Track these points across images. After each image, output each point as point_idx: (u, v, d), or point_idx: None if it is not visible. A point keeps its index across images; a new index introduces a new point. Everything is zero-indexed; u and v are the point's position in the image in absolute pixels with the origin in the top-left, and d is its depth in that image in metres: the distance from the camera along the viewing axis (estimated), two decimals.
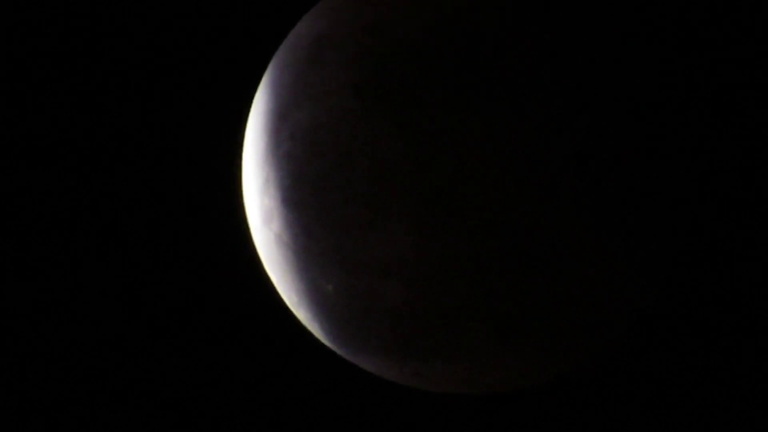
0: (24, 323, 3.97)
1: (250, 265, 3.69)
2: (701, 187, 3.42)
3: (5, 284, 3.95)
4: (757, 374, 3.95)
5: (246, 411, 4.04)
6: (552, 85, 3.10)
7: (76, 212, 3.91)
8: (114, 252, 3.92)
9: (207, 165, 3.80)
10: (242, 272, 3.76)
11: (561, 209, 3.10)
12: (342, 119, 3.23)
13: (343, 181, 3.21)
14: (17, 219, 3.93)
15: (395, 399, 3.87)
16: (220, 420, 4.04)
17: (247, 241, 3.70)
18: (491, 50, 3.11)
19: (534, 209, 3.08)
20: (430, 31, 3.18)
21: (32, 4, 3.87)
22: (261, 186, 3.54)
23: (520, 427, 3.96)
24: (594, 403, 3.96)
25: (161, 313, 3.96)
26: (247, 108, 3.66)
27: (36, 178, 3.89)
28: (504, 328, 3.24)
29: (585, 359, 3.61)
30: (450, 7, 3.20)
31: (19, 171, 3.89)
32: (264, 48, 3.61)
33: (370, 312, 3.34)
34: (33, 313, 3.97)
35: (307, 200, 3.32)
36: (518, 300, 3.18)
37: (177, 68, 3.86)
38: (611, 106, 3.16)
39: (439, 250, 3.13)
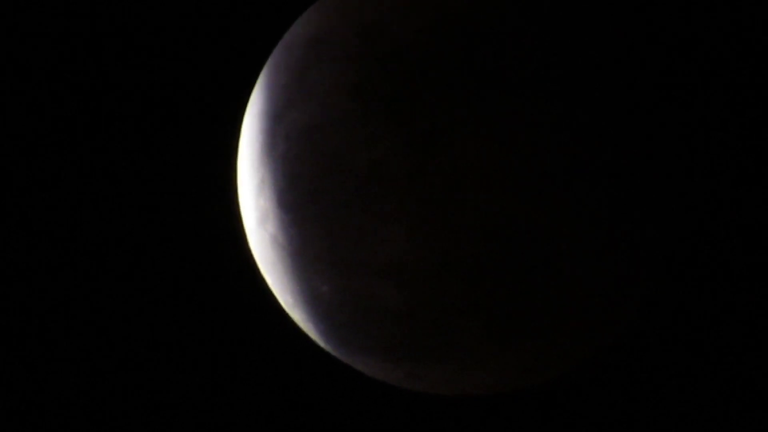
0: (23, 323, 3.97)
1: (245, 267, 3.69)
2: (701, 187, 3.42)
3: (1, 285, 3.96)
4: (756, 374, 3.95)
5: (241, 412, 4.04)
6: (551, 86, 3.09)
7: (71, 213, 3.91)
8: (109, 253, 3.93)
9: (202, 166, 3.80)
10: (237, 274, 3.76)
11: (559, 210, 3.10)
12: (339, 120, 3.22)
13: (339, 182, 3.21)
14: (15, 218, 3.93)
15: (391, 400, 3.87)
16: (215, 421, 4.04)
17: (243, 243, 3.70)
18: (490, 51, 3.11)
19: (532, 210, 3.08)
20: (429, 31, 3.17)
21: (31, 4, 3.86)
22: (256, 187, 3.53)
23: (519, 428, 3.96)
24: (593, 404, 3.96)
25: (156, 314, 3.96)
26: (242, 109, 3.66)
27: (32, 178, 3.89)
28: (501, 328, 3.24)
29: (583, 360, 3.61)
30: (449, 8, 3.20)
31: (16, 171, 3.90)
32: (260, 49, 3.60)
33: (366, 313, 3.34)
34: (33, 313, 3.97)
35: (302, 201, 3.32)
36: (515, 301, 3.18)
37: (173, 69, 3.86)
38: (611, 107, 3.16)
39: (436, 251, 3.13)
